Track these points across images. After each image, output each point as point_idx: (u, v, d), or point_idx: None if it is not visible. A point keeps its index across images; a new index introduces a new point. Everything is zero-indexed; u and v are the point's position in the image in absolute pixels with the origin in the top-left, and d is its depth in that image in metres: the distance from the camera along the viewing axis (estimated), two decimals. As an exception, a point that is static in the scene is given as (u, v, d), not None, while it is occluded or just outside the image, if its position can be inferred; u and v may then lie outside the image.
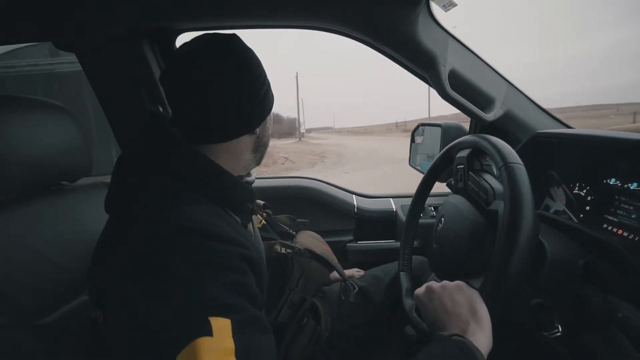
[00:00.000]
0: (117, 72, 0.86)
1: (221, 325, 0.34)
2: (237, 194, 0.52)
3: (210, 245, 0.40)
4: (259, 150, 0.57)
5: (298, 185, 1.24)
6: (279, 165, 13.12)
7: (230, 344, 0.34)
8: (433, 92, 0.85)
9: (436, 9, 0.77)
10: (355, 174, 8.96)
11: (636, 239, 0.59)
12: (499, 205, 0.54)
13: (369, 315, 0.80)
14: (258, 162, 0.59)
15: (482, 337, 0.44)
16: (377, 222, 1.21)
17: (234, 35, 0.52)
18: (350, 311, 0.80)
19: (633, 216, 0.61)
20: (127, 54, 0.84)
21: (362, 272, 0.94)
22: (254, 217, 0.74)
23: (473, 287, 0.51)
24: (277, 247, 0.73)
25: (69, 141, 0.64)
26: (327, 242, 0.93)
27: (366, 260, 1.15)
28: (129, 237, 0.42)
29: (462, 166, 0.66)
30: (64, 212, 0.64)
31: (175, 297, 0.36)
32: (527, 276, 0.52)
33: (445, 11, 0.77)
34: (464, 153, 0.66)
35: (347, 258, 1.19)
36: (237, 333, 0.35)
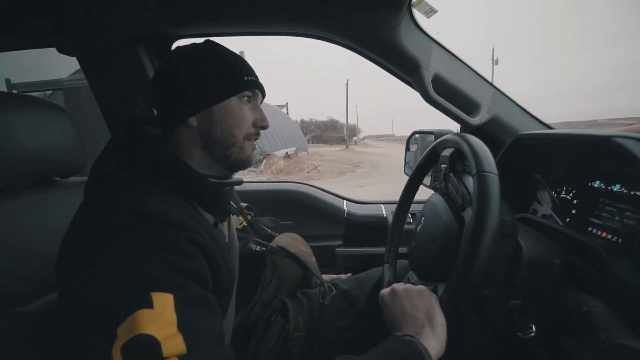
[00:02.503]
0: (115, 75, 0.91)
1: (162, 299, 0.36)
2: (203, 191, 0.53)
3: (157, 227, 0.42)
4: (212, 148, 0.55)
5: (289, 189, 1.25)
6: (304, 173, 12.60)
7: (171, 316, 0.36)
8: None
9: (418, 15, 0.79)
10: (371, 187, 8.64)
11: (619, 241, 0.58)
12: (468, 215, 0.53)
13: (351, 319, 0.78)
14: (225, 162, 0.57)
15: (434, 342, 0.47)
16: (367, 228, 1.20)
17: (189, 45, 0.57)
18: (333, 315, 0.79)
19: (616, 218, 0.60)
20: (125, 58, 0.89)
21: (348, 275, 0.93)
22: (234, 217, 0.76)
23: (436, 293, 0.54)
24: (252, 245, 0.73)
25: (64, 140, 0.67)
26: (316, 246, 0.92)
27: (354, 265, 1.14)
28: (81, 220, 0.45)
29: (444, 165, 0.66)
30: (54, 206, 0.67)
31: (118, 274, 0.37)
32: (496, 281, 0.51)
33: (427, 17, 0.79)
34: (447, 152, 0.65)
35: (335, 263, 1.18)
36: (180, 308, 0.37)
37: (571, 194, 0.71)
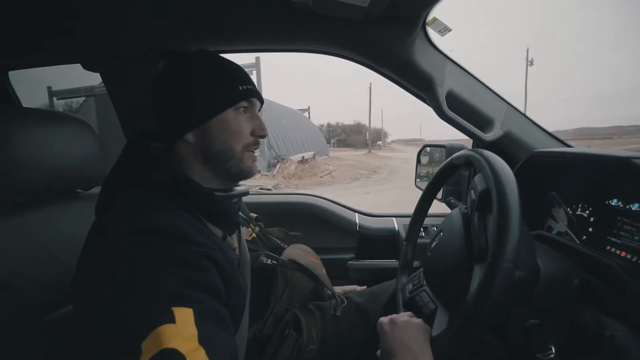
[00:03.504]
0: (135, 89, 0.94)
1: (183, 314, 0.37)
2: (212, 206, 0.54)
3: (170, 243, 0.43)
4: (212, 162, 0.56)
5: (300, 201, 1.26)
6: (317, 178, 12.34)
7: (193, 330, 0.36)
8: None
9: (433, 34, 0.81)
10: (380, 194, 8.26)
11: (639, 261, 0.57)
12: (477, 272, 0.50)
13: (365, 333, 0.78)
14: (226, 175, 0.57)
15: None
16: (379, 241, 1.20)
17: (180, 54, 0.58)
18: (347, 328, 0.79)
19: (636, 238, 0.59)
20: (146, 72, 0.92)
21: (363, 287, 0.93)
22: (244, 229, 0.77)
23: (434, 322, 0.57)
24: (263, 258, 0.74)
25: (85, 152, 0.69)
26: (328, 259, 0.93)
27: (367, 278, 1.14)
28: (94, 240, 0.46)
29: (474, 197, 0.60)
30: (76, 216, 0.68)
31: (138, 290, 0.38)
32: (515, 303, 0.51)
33: (442, 36, 0.81)
34: (479, 182, 0.59)
35: (347, 276, 1.18)
36: (199, 321, 0.37)
37: (587, 212, 0.71)
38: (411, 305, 0.70)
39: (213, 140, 0.55)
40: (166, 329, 0.35)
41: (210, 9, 0.72)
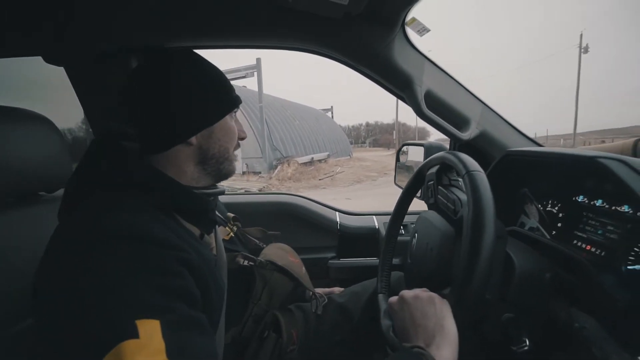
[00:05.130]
0: (104, 86, 0.88)
1: (149, 327, 0.35)
2: (189, 203, 0.53)
3: (139, 248, 0.40)
4: (208, 163, 0.57)
5: (280, 201, 1.25)
6: (315, 180, 11.78)
7: (159, 344, 0.34)
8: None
9: (411, 34, 0.82)
10: (363, 199, 7.89)
11: (602, 254, 0.61)
12: (465, 211, 0.55)
13: (347, 332, 0.79)
14: (216, 175, 0.59)
15: (446, 352, 0.45)
16: (360, 239, 1.21)
17: (175, 51, 0.57)
18: (329, 328, 0.79)
19: (599, 232, 0.63)
20: (116, 69, 0.87)
21: (341, 289, 0.93)
22: (221, 229, 0.75)
23: (444, 296, 0.53)
24: (240, 260, 0.72)
25: (49, 152, 0.64)
26: (309, 258, 0.92)
27: (348, 277, 1.14)
28: (56, 245, 0.43)
29: (431, 182, 0.68)
30: (38, 222, 0.64)
31: (100, 302, 0.36)
32: (494, 284, 0.53)
33: (420, 36, 0.82)
34: (433, 170, 0.68)
35: (328, 275, 1.18)
36: (168, 333, 0.35)
37: (557, 208, 0.74)
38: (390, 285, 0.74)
39: (215, 142, 0.57)
40: (129, 345, 0.33)
41: (187, 4, 0.69)
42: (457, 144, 0.97)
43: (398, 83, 0.86)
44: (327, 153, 16.46)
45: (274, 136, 13.58)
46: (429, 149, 1.09)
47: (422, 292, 0.54)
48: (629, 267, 0.55)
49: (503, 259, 0.54)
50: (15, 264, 0.57)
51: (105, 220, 0.42)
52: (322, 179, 11.86)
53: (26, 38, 0.79)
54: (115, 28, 0.76)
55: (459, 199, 0.60)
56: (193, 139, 0.54)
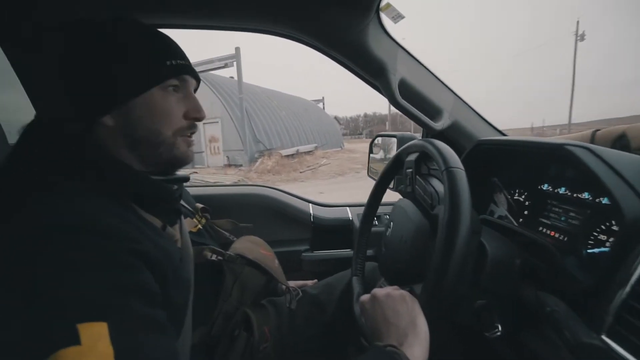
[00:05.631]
0: (48, 66, 0.79)
1: (94, 331, 0.31)
2: (145, 190, 0.47)
3: (84, 240, 0.36)
4: (139, 149, 0.48)
5: (253, 193, 1.20)
6: (296, 173, 11.20)
7: (107, 349, 0.30)
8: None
9: (386, 20, 0.80)
10: (336, 192, 7.50)
11: (565, 239, 0.63)
12: (441, 209, 0.54)
13: (321, 325, 0.77)
14: (158, 163, 0.51)
15: (418, 350, 0.45)
16: (334, 231, 1.20)
17: (86, 21, 0.48)
18: (303, 322, 0.77)
19: (562, 219, 0.65)
20: (60, 46, 0.77)
21: (315, 281, 0.91)
22: (188, 220, 0.69)
23: (415, 294, 0.53)
24: (207, 254, 0.66)
25: None
26: (282, 251, 0.89)
27: (321, 269, 1.13)
28: None
29: (410, 170, 0.67)
30: None
31: (37, 305, 0.31)
32: (467, 279, 0.53)
33: (394, 23, 0.81)
34: (412, 157, 0.67)
35: (302, 268, 1.16)
36: (117, 336, 0.31)
37: (523, 196, 0.77)
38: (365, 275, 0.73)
39: (136, 124, 0.47)
40: (68, 352, 0.29)
41: None
42: (430, 134, 0.98)
43: (372, 70, 0.84)
44: (315, 145, 16.00)
45: (257, 128, 13.10)
46: (402, 140, 1.09)
47: (393, 290, 0.53)
48: (588, 251, 0.58)
49: (476, 251, 0.55)
50: None
51: (44, 209, 0.37)
52: (303, 172, 11.40)
53: None
54: (54, 2, 0.68)
55: (437, 192, 0.59)
56: (108, 119, 0.46)
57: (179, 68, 0.50)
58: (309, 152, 14.43)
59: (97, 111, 0.45)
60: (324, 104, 25.49)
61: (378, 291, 0.54)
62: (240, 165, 11.97)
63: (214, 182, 8.11)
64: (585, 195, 0.62)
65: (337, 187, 8.19)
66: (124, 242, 0.38)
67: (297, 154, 13.56)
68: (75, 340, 0.30)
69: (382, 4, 0.74)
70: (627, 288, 0.42)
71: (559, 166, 0.68)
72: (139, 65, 0.47)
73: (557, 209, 0.68)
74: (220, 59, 11.20)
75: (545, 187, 0.72)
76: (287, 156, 12.73)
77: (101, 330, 0.31)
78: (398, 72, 0.84)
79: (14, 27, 0.74)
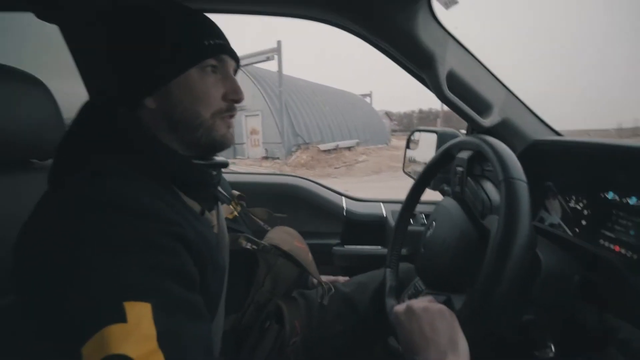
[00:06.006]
0: (100, 47, 0.82)
1: (138, 310, 0.31)
2: (187, 174, 0.48)
3: (131, 221, 0.36)
4: (178, 131, 0.48)
5: (287, 183, 1.20)
6: (331, 169, 10.92)
7: (150, 329, 0.30)
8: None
9: (437, 6, 0.74)
10: (361, 191, 7.60)
11: (635, 257, 0.56)
12: (493, 222, 0.49)
13: (351, 323, 0.75)
14: (196, 145, 0.50)
15: None
16: (366, 227, 1.17)
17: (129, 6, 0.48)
18: (333, 318, 0.75)
19: (632, 232, 0.58)
20: (108, 28, 0.80)
21: (346, 278, 0.89)
22: (225, 207, 0.70)
23: (454, 308, 0.49)
24: (242, 242, 0.66)
25: (43, 117, 0.60)
26: (313, 244, 0.88)
27: (352, 265, 1.11)
28: (42, 214, 0.39)
29: (461, 169, 0.62)
30: (28, 191, 0.60)
31: (85, 282, 0.32)
32: (516, 294, 0.48)
33: (446, 9, 0.75)
34: (464, 154, 0.61)
35: (332, 262, 1.15)
36: (160, 318, 0.31)
37: (582, 204, 0.69)
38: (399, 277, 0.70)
39: (176, 105, 0.47)
40: (115, 329, 0.29)
41: None
42: (477, 131, 0.91)
43: (419, 61, 0.79)
44: (356, 140, 15.55)
45: (297, 122, 13.11)
46: (443, 137, 1.03)
47: (431, 305, 0.49)
48: None
49: (528, 265, 0.49)
50: (4, 236, 0.53)
51: (93, 187, 0.38)
52: (338, 167, 11.13)
53: None
54: None
55: (489, 199, 0.54)
56: (150, 102, 0.46)
57: (218, 47, 0.49)
58: (349, 148, 14.10)
59: (140, 93, 0.46)
60: (371, 99, 24.79)
61: (415, 303, 0.50)
62: (277, 158, 12.11)
63: (247, 173, 8.36)
64: None
65: (368, 186, 7.89)
66: (166, 225, 0.38)
67: (337, 149, 13.36)
68: (122, 317, 0.30)
69: (435, -13, 0.69)
70: None
71: (630, 171, 0.60)
72: (176, 45, 0.46)
73: (624, 221, 0.60)
74: (262, 53, 11.34)
75: (610, 195, 0.64)
76: (325, 151, 12.62)
77: (145, 310, 0.31)
78: (447, 62, 0.78)
79: (73, 10, 0.78)
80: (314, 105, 15.01)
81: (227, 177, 1.14)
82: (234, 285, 0.61)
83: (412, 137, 1.26)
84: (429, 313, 0.47)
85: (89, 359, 0.28)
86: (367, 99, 24.07)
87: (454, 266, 0.55)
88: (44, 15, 0.78)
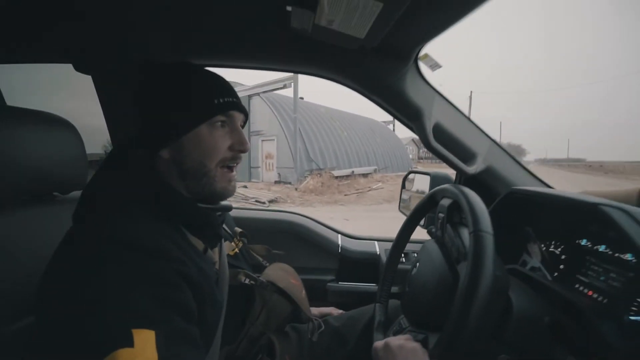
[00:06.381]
0: (125, 97, 0.93)
1: (144, 337, 0.36)
2: (193, 216, 0.54)
3: (142, 258, 0.42)
4: (187, 178, 0.54)
5: (284, 219, 1.26)
6: (340, 196, 10.68)
7: (152, 354, 0.35)
8: None
9: (424, 68, 0.85)
10: (359, 221, 6.87)
11: (604, 301, 0.60)
12: (463, 269, 0.54)
13: (340, 357, 0.77)
14: (200, 193, 0.55)
15: None
16: (360, 264, 1.20)
17: (162, 65, 0.57)
18: (323, 352, 0.78)
19: (602, 278, 0.62)
20: (137, 82, 0.91)
21: (340, 311, 0.92)
22: (227, 244, 0.76)
23: (426, 344, 0.54)
24: (241, 277, 0.72)
25: (68, 154, 0.67)
26: (308, 279, 0.92)
27: (345, 301, 1.13)
28: (66, 247, 0.45)
29: (442, 215, 0.68)
30: (50, 223, 0.65)
31: (100, 308, 0.37)
32: (487, 334, 0.52)
33: (432, 71, 0.85)
34: (445, 202, 0.67)
35: (326, 298, 1.17)
36: (162, 345, 0.36)
37: (559, 249, 0.74)
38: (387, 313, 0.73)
39: (186, 157, 0.53)
40: (123, 353, 0.34)
41: (212, 26, 0.74)
42: (463, 177, 0.98)
43: (408, 114, 0.88)
44: (374, 167, 15.52)
45: (312, 147, 13.25)
46: (435, 179, 1.10)
47: (407, 343, 0.55)
48: (631, 318, 0.54)
49: (500, 310, 0.54)
50: (23, 262, 0.58)
51: (110, 227, 0.44)
52: (348, 195, 10.97)
53: (58, 45, 0.84)
54: (140, 43, 0.81)
55: (464, 246, 0.58)
56: (165, 152, 0.53)
57: (226, 105, 0.55)
58: (365, 175, 13.94)
59: (157, 145, 0.53)
60: (394, 126, 24.61)
61: (392, 340, 0.56)
62: (289, 183, 12.12)
63: (252, 197, 8.28)
64: (629, 256, 0.58)
65: (371, 215, 7.62)
66: (172, 264, 0.44)
67: (352, 175, 13.27)
68: (130, 342, 0.35)
69: (421, 54, 0.80)
70: None
71: (597, 224, 0.66)
72: (190, 104, 0.53)
73: (596, 267, 0.64)
74: (279, 81, 11.77)
75: (584, 242, 0.69)
76: (340, 177, 12.56)
77: (150, 337, 0.36)
78: (433, 116, 0.87)
79: (105, 63, 0.89)
80: (332, 131, 15.05)
81: (231, 212, 1.20)
82: (230, 318, 0.65)
83: (407, 178, 1.33)
84: (404, 351, 0.52)
85: None
86: (390, 126, 24.00)
87: (432, 306, 0.59)
88: (82, 67, 0.89)
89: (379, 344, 0.57)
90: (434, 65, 0.83)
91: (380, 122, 22.80)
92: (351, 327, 0.82)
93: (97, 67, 0.90)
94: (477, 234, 0.50)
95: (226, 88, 0.58)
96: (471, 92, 31.62)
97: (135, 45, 0.83)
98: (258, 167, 13.88)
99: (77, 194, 0.74)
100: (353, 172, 13.58)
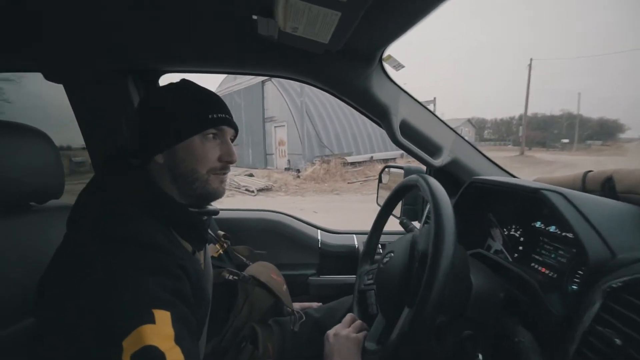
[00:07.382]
0: (101, 106, 0.93)
1: (162, 316, 0.41)
2: (184, 220, 0.58)
3: (145, 252, 0.47)
4: (179, 182, 0.59)
5: (265, 218, 1.29)
6: (344, 184, 10.05)
7: (170, 331, 0.41)
8: None
9: (388, 68, 0.90)
10: (332, 212, 6.25)
11: (555, 276, 0.66)
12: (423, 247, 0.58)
13: (322, 347, 0.81)
14: (192, 195, 0.60)
15: None
16: (340, 257, 1.25)
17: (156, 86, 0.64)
18: (305, 343, 0.82)
19: (552, 256, 0.69)
20: (112, 89, 0.92)
21: (319, 304, 0.96)
22: (211, 246, 0.79)
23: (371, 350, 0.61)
24: (225, 274, 0.76)
25: (43, 164, 0.67)
26: (290, 275, 0.96)
27: (327, 294, 1.17)
28: (69, 246, 0.48)
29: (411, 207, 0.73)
30: (28, 232, 0.66)
31: (119, 293, 0.41)
32: (450, 310, 0.57)
33: (396, 71, 0.90)
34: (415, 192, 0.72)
35: (308, 291, 1.21)
36: (176, 323, 0.42)
37: (518, 232, 0.80)
38: (364, 298, 0.79)
39: (179, 163, 0.58)
40: (147, 328, 0.39)
41: (182, 35, 0.76)
42: (432, 170, 1.04)
43: (376, 112, 0.93)
44: (400, 152, 13.46)
45: (325, 132, 12.58)
46: (408, 172, 1.16)
47: (343, 331, 0.66)
48: (573, 287, 0.61)
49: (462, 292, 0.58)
50: (3, 271, 0.59)
51: (112, 226, 0.48)
52: (352, 182, 10.41)
53: (26, 54, 0.84)
54: (112, 50, 0.82)
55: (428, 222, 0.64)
56: (159, 158, 0.58)
57: (218, 120, 0.61)
58: (386, 160, 12.35)
59: (153, 151, 0.58)
60: (435, 106, 22.95)
61: (340, 329, 0.67)
62: (298, 170, 11.67)
63: (244, 185, 8.29)
64: (571, 235, 0.65)
65: (355, 207, 6.81)
66: (172, 257, 0.49)
67: (369, 161, 12.50)
68: (152, 319, 0.40)
69: (384, 55, 0.84)
70: (587, 322, 0.46)
71: (547, 208, 0.72)
72: (186, 117, 0.59)
73: (548, 247, 0.71)
74: None
75: (538, 224, 0.75)
76: (352, 163, 11.90)
77: (166, 317, 0.41)
78: (400, 113, 0.92)
79: (76, 71, 0.89)
80: (352, 113, 13.24)
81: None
82: (216, 314, 0.69)
83: (383, 172, 1.38)
84: (348, 339, 0.64)
85: (129, 349, 0.37)
86: (430, 106, 23.50)
87: (391, 292, 0.63)
88: (52, 77, 0.89)
89: (331, 330, 0.67)
90: (398, 66, 0.88)
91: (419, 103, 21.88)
92: (331, 317, 0.86)
93: (67, 76, 0.90)
94: (435, 202, 0.54)
95: (220, 105, 0.63)
96: (531, 59, 25.50)
97: (106, 53, 0.84)
98: (272, 154, 13.65)
99: (54, 202, 0.74)
100: (372, 157, 12.81)
